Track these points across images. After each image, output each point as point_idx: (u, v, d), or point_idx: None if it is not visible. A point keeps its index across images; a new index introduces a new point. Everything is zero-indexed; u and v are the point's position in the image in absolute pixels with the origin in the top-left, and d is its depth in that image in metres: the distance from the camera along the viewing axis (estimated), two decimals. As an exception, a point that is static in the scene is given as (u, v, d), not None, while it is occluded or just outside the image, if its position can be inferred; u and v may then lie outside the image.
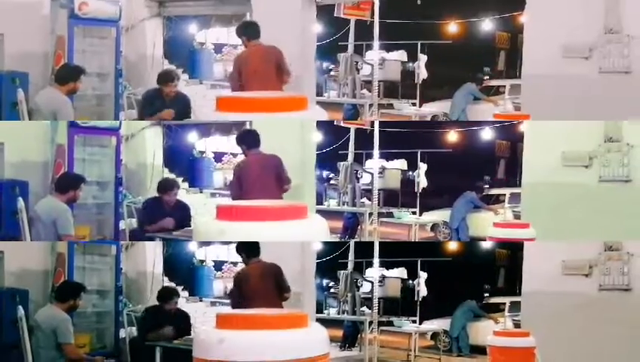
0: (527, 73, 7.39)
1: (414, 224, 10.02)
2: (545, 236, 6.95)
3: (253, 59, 6.78)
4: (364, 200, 9.98)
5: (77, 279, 7.66)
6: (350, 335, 10.20)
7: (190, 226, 7.70)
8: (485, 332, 9.13)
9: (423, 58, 10.66)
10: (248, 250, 6.89)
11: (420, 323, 10.39)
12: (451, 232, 10.07)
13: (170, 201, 7.70)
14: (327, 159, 10.06)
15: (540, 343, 6.74)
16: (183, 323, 7.86)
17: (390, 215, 10.06)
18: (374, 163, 9.90)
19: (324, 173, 10.35)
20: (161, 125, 9.16)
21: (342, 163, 10.07)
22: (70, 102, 7.07)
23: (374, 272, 10.08)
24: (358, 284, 10.00)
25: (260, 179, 6.39)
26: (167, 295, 7.81)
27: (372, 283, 9.90)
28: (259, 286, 6.67)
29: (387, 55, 10.68)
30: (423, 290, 10.27)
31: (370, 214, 9.60)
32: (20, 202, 6.81)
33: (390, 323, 10.09)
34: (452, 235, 10.01)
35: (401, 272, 10.61)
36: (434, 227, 10.60)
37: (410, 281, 10.50)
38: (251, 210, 4.41)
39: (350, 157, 10.18)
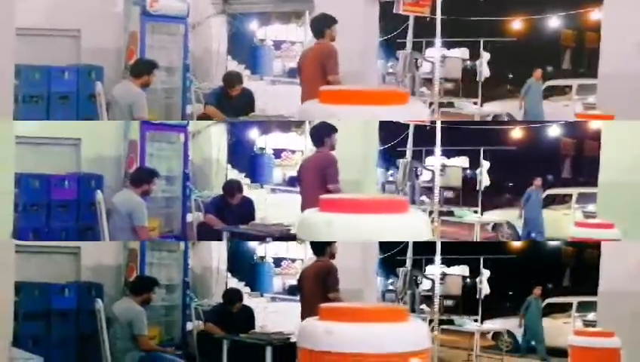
0: (604, 72, 7.32)
1: (476, 223, 9.88)
2: (623, 235, 6.82)
3: (305, 58, 6.86)
4: (424, 198, 9.89)
5: (147, 274, 7.75)
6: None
7: (254, 220, 7.90)
8: (552, 332, 9.19)
9: (485, 56, 10.44)
10: (314, 248, 6.95)
11: (482, 323, 10.17)
12: (514, 233, 9.93)
13: (235, 200, 7.89)
14: (386, 156, 10.00)
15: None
16: (248, 317, 7.99)
17: (451, 213, 9.93)
18: (435, 160, 9.76)
19: (381, 171, 10.22)
20: (225, 122, 9.21)
21: (401, 160, 9.96)
22: (144, 95, 7.32)
23: (435, 270, 9.99)
24: (418, 282, 9.93)
25: (307, 178, 6.51)
26: (231, 298, 7.97)
27: (433, 280, 9.79)
28: (310, 286, 6.77)
29: (448, 52, 10.52)
30: (485, 288, 10.07)
31: (431, 212, 9.47)
32: (99, 194, 6.97)
33: (451, 322, 9.98)
34: (517, 236, 9.87)
35: (462, 270, 10.46)
36: (495, 227, 10.42)
37: (472, 279, 10.35)
38: (354, 203, 4.42)
39: (409, 153, 10.08)
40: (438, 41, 9.78)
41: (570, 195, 10.05)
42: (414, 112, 5.00)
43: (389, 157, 10.20)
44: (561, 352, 8.21)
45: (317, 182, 6.40)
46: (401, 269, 9.93)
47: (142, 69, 7.32)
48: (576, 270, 10.30)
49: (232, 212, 7.83)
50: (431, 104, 9.94)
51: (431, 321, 9.38)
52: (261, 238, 7.99)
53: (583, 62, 9.82)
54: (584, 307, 9.48)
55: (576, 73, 10.15)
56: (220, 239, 7.70)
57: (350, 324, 4.26)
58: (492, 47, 10.44)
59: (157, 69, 7.44)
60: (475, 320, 10.12)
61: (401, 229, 4.38)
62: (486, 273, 10.19)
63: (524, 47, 10.26)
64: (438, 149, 9.72)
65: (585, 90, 9.45)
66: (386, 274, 10.39)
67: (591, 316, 8.89)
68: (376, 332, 4.25)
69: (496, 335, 10.30)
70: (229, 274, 9.11)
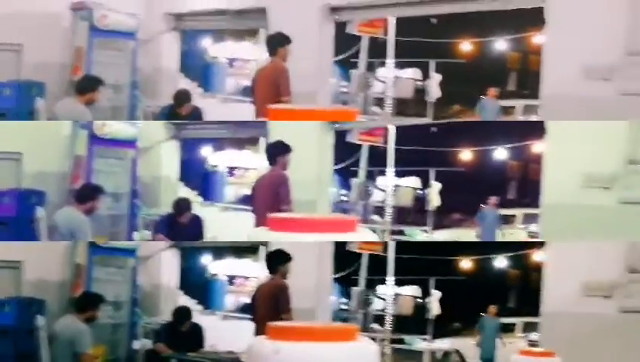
0: (546, 94, 7.32)
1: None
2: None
3: (258, 76, 6.82)
4: (376, 217, 10.03)
5: (94, 290, 7.63)
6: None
7: (204, 239, 7.80)
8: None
9: (436, 77, 10.67)
10: (267, 266, 6.92)
11: (432, 341, 10.42)
12: None
13: (184, 218, 7.77)
14: (341, 176, 10.10)
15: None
16: (197, 336, 7.87)
17: (401, 233, 10.09)
18: (388, 180, 9.96)
19: (335, 190, 10.35)
20: (178, 139, 9.17)
21: (354, 180, 10.10)
22: (89, 113, 7.01)
23: (388, 289, 10.07)
24: (370, 301, 10.06)
25: (260, 196, 6.45)
26: (181, 316, 7.87)
27: (384, 300, 9.92)
28: (263, 305, 6.63)
29: (400, 73, 10.76)
30: (435, 308, 10.23)
31: (383, 232, 9.68)
32: (41, 211, 6.77)
33: (401, 341, 10.09)
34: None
35: (414, 290, 10.58)
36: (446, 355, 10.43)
37: (423, 299, 10.52)
38: (301, 222, 4.36)
39: (362, 174, 10.20)
40: (390, 61, 10.07)
41: (515, 216, 10.32)
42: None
43: (344, 177, 10.35)
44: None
45: (269, 200, 6.35)
46: (354, 289, 10.02)
47: (87, 86, 6.96)
48: (521, 291, 10.42)
49: (180, 231, 7.71)
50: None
51: (382, 340, 9.51)
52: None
53: (526, 84, 9.92)
54: (530, 327, 9.70)
55: (521, 94, 10.47)
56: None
57: (298, 343, 4.17)
58: (442, 68, 10.66)
59: (103, 85, 7.16)
60: (425, 339, 10.29)
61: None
62: (437, 293, 10.34)
63: (473, 69, 10.60)
64: (390, 168, 9.93)
65: (529, 111, 9.70)
66: (339, 293, 10.49)
67: (534, 336, 9.11)
68: (324, 351, 4.17)
69: (446, 354, 10.46)
70: (180, 292, 9.01)
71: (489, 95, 10.16)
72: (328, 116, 4.53)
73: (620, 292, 7.13)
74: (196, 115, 8.29)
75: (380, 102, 10.45)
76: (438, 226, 10.58)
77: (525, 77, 10.35)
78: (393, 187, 10.05)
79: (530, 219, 9.76)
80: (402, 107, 10.81)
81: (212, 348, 7.88)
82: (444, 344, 10.58)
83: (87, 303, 6.76)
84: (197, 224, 8.00)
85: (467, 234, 10.45)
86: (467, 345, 10.60)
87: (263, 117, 6.07)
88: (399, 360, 10.06)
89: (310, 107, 5.49)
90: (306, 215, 4.97)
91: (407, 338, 10.17)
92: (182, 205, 8.00)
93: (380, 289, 10.33)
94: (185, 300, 9.02)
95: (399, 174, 10.40)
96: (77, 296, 7.27)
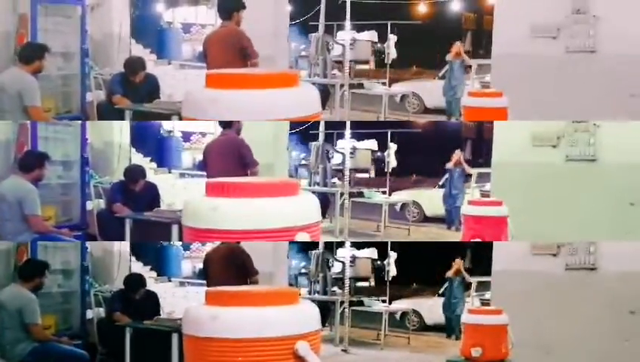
0: (497, 53, 7.54)
1: (384, 204, 10.10)
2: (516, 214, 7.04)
3: (215, 42, 6.73)
4: (335, 180, 9.99)
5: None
6: (321, 314, 10.34)
7: (160, 207, 7.72)
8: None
9: (392, 38, 10.61)
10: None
11: (390, 304, 10.50)
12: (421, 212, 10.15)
13: (138, 186, 7.71)
14: (299, 139, 10.05)
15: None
16: (152, 303, 7.83)
17: (361, 195, 10.10)
18: (345, 143, 9.93)
19: (295, 153, 10.32)
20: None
21: (313, 143, 10.00)
22: (36, 82, 6.88)
23: (345, 252, 10.10)
24: (330, 265, 10.02)
25: (221, 162, 6.38)
26: (133, 284, 7.79)
27: (343, 263, 9.94)
28: (222, 271, 6.71)
29: (358, 35, 10.61)
30: (392, 270, 10.33)
31: (342, 194, 9.66)
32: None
33: (361, 303, 10.16)
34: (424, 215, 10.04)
35: (371, 252, 10.63)
36: (403, 207, 10.69)
37: (380, 261, 10.56)
38: (241, 187, 4.26)
39: (321, 137, 10.15)
40: (348, 24, 9.95)
41: (470, 175, 10.38)
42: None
43: (302, 140, 10.24)
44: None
45: (229, 165, 6.30)
46: (313, 252, 10.02)
47: (32, 54, 6.87)
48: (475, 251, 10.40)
49: (134, 199, 7.62)
50: (342, 86, 10.02)
51: (342, 303, 9.61)
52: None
53: (481, 44, 10.00)
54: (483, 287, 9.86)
55: (476, 54, 10.40)
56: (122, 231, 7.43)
57: (237, 309, 4.15)
58: (399, 30, 10.59)
59: (49, 53, 7.03)
60: (384, 301, 10.41)
61: (293, 211, 4.24)
62: (393, 255, 10.44)
63: (428, 30, 10.53)
64: (347, 132, 9.91)
65: (484, 70, 9.62)
66: (299, 256, 10.49)
67: (487, 295, 9.25)
68: (263, 316, 4.18)
69: (404, 315, 10.63)
70: (133, 258, 8.88)
71: (453, 53, 10.08)
72: (271, 81, 4.17)
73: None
74: (150, 82, 8.12)
75: (339, 65, 10.20)
76: (396, 189, 10.63)
77: (481, 37, 10.13)
78: (351, 149, 9.97)
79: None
80: (361, 70, 10.69)
81: (169, 315, 7.77)
82: (401, 304, 10.73)
83: (32, 271, 6.72)
84: (152, 192, 7.91)
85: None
86: (426, 305, 10.86)
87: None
88: (359, 322, 10.18)
89: (251, 71, 5.27)
90: (246, 179, 5.02)
91: (366, 300, 10.23)
92: (135, 172, 7.88)
93: (339, 252, 10.31)
94: (139, 267, 8.87)
95: (356, 137, 10.30)
96: (21, 264, 7.13)
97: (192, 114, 4.28)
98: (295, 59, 10.23)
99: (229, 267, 6.76)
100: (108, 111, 8.14)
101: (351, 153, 9.96)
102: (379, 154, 10.57)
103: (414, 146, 10.44)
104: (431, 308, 10.70)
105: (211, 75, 4.23)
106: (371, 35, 10.68)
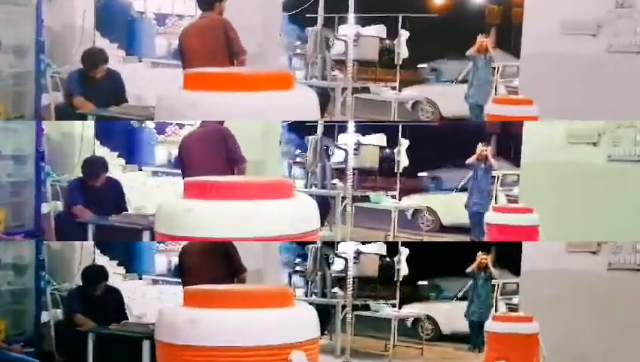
0: (526, 53, 7.26)
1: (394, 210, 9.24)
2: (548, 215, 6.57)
3: (194, 35, 6.38)
4: (336, 181, 8.92)
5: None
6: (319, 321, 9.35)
7: (127, 210, 7.13)
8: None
9: (404, 34, 9.52)
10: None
11: (400, 308, 9.33)
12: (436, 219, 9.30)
13: (99, 182, 7.10)
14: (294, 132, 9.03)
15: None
16: (114, 301, 7.25)
17: (366, 199, 9.09)
18: (349, 138, 8.91)
19: (289, 148, 9.12)
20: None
21: (310, 137, 8.83)
22: None
23: (349, 247, 8.77)
24: (330, 261, 8.93)
25: (202, 158, 6.00)
26: (92, 277, 7.16)
27: (346, 259, 8.92)
28: (202, 266, 6.19)
29: (363, 30, 9.46)
30: (404, 269, 9.22)
31: (343, 198, 8.67)
32: None
33: (366, 307, 9.06)
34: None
35: (379, 248, 9.34)
36: (416, 213, 9.61)
37: (389, 258, 9.37)
38: (227, 187, 3.82)
39: (319, 130, 9.02)
40: (351, 16, 8.96)
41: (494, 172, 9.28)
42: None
43: (297, 134, 9.21)
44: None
45: (211, 161, 5.89)
46: (310, 247, 8.95)
47: None
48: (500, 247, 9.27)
49: (96, 199, 7.00)
50: (344, 89, 8.89)
51: (344, 306, 8.66)
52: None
53: (509, 42, 8.97)
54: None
55: (501, 53, 9.25)
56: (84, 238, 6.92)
57: (220, 311, 3.73)
58: (411, 24, 9.56)
59: None
60: (393, 305, 9.26)
61: (286, 218, 3.86)
62: (404, 251, 9.35)
63: (446, 25, 9.40)
64: (351, 124, 8.92)
65: (508, 72, 8.76)
66: (293, 250, 9.30)
67: (515, 299, 8.49)
68: (250, 320, 3.74)
69: (416, 321, 9.56)
70: (98, 251, 8.12)
71: (477, 47, 9.02)
72: (260, 83, 3.92)
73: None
74: (113, 79, 7.51)
75: (341, 65, 9.13)
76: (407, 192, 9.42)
77: (508, 34, 8.92)
78: (355, 145, 8.96)
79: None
80: (366, 71, 9.49)
81: (139, 319, 7.42)
82: (414, 309, 9.58)
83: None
84: (114, 189, 7.24)
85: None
86: (442, 310, 9.75)
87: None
88: (363, 330, 9.20)
89: (236, 71, 5.00)
90: (233, 178, 4.53)
91: (372, 304, 9.14)
92: (95, 165, 7.21)
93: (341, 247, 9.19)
94: (104, 261, 8.12)
95: (360, 131, 9.26)
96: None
97: (166, 120, 3.94)
98: (289, 58, 9.14)
99: (211, 261, 6.25)
100: (68, 116, 7.64)
101: (355, 149, 8.97)
102: (388, 151, 9.49)
103: (429, 142, 9.38)
104: (448, 313, 9.65)
105: (190, 75, 4.00)
106: (379, 30, 9.58)
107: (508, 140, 9.04)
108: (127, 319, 7.18)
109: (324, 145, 8.86)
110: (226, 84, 3.80)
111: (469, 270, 9.01)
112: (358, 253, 9.15)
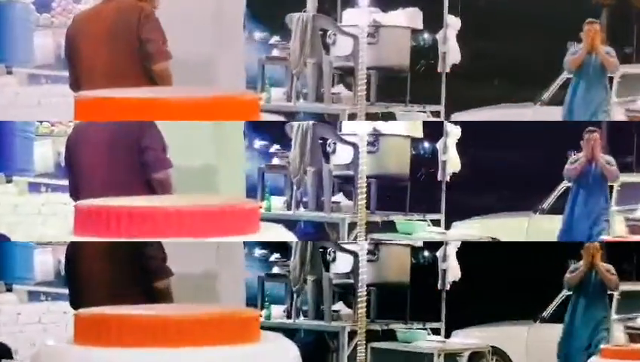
0: None
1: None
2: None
3: (90, 30, 5.02)
4: (340, 196, 6.77)
5: None
6: (309, 356, 7.43)
7: None
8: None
9: (454, 24, 7.04)
10: None
11: (448, 336, 7.28)
12: None
13: None
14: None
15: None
16: None
17: (391, 226, 6.79)
18: (360, 126, 6.66)
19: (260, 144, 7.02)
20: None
21: (294, 123, 6.66)
22: None
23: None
24: (328, 258, 6.77)
25: (102, 164, 4.73)
26: None
27: (355, 255, 6.66)
28: (102, 267, 4.78)
29: (384, 17, 7.09)
30: (454, 273, 6.86)
31: (352, 225, 6.50)
32: None
33: (391, 335, 6.88)
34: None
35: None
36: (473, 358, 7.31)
37: (430, 253, 7.10)
38: (146, 216, 2.90)
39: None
40: None
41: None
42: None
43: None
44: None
45: (117, 167, 4.59)
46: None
47: None
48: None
49: None
50: (352, 116, 6.69)
51: (353, 333, 6.68)
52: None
53: (625, 33, 7.23)
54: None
55: (617, 52, 7.01)
56: None
57: (133, 351, 2.72)
58: (464, 8, 7.28)
59: None
60: (436, 332, 7.24)
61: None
62: (454, 246, 6.99)
63: (523, 10, 7.43)
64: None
65: (627, 83, 6.82)
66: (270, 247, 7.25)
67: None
68: None
69: (476, 357, 7.45)
70: None
71: (589, 41, 6.51)
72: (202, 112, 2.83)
73: None
74: None
75: (345, 76, 6.86)
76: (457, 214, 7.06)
77: (626, 20, 7.20)
78: (371, 137, 6.72)
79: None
80: (389, 85, 6.98)
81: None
82: (470, 339, 7.49)
83: None
84: None
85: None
86: (518, 338, 7.78)
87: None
88: None
89: (157, 95, 3.36)
90: (153, 200, 3.29)
91: (400, 329, 6.91)
92: None
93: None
94: None
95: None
96: None
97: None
98: (259, 65, 7.01)
99: (114, 257, 4.78)
100: None
101: (370, 144, 6.74)
102: (426, 145, 7.16)
103: (493, 135, 7.07)
104: (527, 342, 7.92)
105: (81, 101, 3.20)
106: (411, 18, 7.12)
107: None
108: None
109: (320, 136, 6.70)
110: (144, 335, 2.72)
111: (567, 277, 6.85)
112: (376, 244, 7.01)
